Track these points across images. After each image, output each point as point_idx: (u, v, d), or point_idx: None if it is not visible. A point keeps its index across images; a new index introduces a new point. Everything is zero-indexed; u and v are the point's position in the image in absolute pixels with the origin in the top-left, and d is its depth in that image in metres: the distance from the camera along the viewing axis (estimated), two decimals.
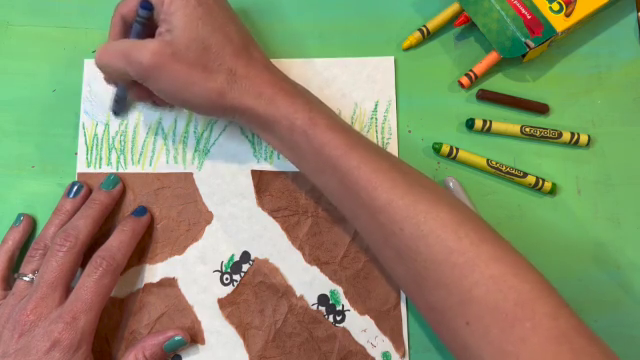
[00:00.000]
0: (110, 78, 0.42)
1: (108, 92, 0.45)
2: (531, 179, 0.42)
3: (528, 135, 0.43)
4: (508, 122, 0.44)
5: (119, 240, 0.40)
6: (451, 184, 0.42)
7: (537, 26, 0.43)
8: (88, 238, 0.39)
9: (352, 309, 0.41)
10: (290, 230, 0.43)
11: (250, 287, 0.42)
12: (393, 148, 0.44)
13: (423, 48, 0.46)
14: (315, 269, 0.42)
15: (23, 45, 0.47)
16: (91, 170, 0.44)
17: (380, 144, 0.44)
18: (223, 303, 0.42)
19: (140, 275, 0.42)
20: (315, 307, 0.41)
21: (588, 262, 0.42)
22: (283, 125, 0.37)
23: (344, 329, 0.41)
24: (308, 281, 0.42)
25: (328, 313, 0.41)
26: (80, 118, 0.45)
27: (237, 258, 0.42)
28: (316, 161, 0.37)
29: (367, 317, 0.41)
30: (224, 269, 0.42)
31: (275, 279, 0.42)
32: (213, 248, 0.43)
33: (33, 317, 0.36)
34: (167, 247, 0.43)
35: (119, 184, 0.43)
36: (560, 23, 0.42)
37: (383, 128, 0.44)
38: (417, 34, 0.45)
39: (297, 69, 0.45)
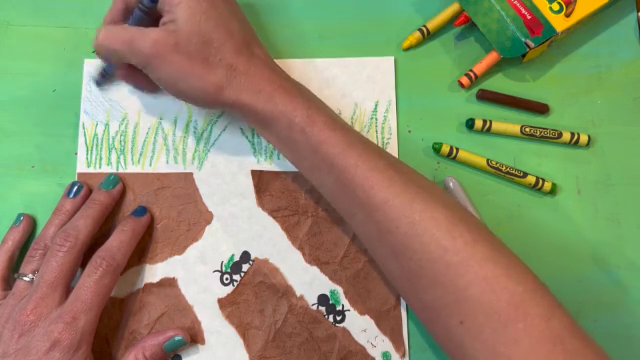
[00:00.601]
0: (108, 60, 0.41)
1: (108, 92, 0.45)
2: (531, 179, 0.42)
3: (528, 135, 0.43)
4: (508, 122, 0.44)
5: (119, 240, 0.40)
6: (451, 184, 0.42)
7: (537, 26, 0.43)
8: (88, 238, 0.39)
9: (352, 309, 0.41)
10: (290, 230, 0.43)
11: (250, 287, 0.42)
12: (393, 148, 0.44)
13: (423, 48, 0.46)
14: (315, 269, 0.42)
15: (23, 45, 0.47)
16: (91, 170, 0.44)
17: (380, 144, 0.44)
18: (223, 303, 0.42)
19: (140, 275, 0.42)
20: (315, 307, 0.41)
21: (588, 262, 0.42)
22: (281, 122, 0.37)
23: (344, 329, 0.41)
24: (308, 281, 0.42)
25: (328, 313, 0.41)
26: (80, 118, 0.45)
27: (237, 258, 0.42)
28: (313, 159, 0.37)
29: (367, 317, 0.41)
30: (224, 269, 0.42)
31: (275, 279, 0.42)
32: (213, 248, 0.43)
33: (33, 317, 0.36)
34: (167, 247, 0.43)
35: (119, 184, 0.43)
36: (560, 23, 0.42)
37: (383, 128, 0.44)
38: (417, 34, 0.45)
39: (297, 69, 0.45)
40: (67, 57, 0.46)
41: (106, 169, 0.44)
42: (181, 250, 0.43)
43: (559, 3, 0.43)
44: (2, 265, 0.41)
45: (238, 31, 0.38)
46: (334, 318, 0.41)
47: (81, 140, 0.45)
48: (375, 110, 0.44)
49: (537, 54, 0.45)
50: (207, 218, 0.43)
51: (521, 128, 0.43)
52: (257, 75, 0.37)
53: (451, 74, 0.45)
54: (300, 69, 0.45)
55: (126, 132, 0.45)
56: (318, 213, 0.43)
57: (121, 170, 0.44)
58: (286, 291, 0.42)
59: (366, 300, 0.41)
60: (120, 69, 0.42)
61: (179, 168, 0.44)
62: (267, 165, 0.44)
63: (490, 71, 0.44)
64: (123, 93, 0.45)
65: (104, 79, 0.44)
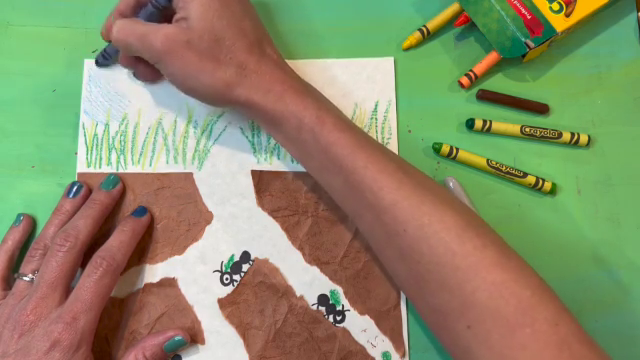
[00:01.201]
0: (124, 52, 0.42)
1: (108, 92, 0.45)
2: (531, 179, 0.42)
3: (528, 135, 0.43)
4: (508, 122, 0.44)
5: (119, 240, 0.40)
6: (451, 184, 0.42)
7: (537, 26, 0.43)
8: (88, 238, 0.39)
9: (352, 309, 0.41)
10: (290, 230, 0.43)
11: (250, 287, 0.42)
12: (393, 148, 0.44)
13: (423, 48, 0.46)
14: (315, 269, 0.42)
15: (23, 45, 0.47)
16: (91, 170, 0.44)
17: None
18: (223, 303, 0.42)
19: (140, 275, 0.42)
20: (315, 307, 0.41)
21: (588, 262, 0.42)
22: (291, 122, 0.37)
23: (344, 329, 0.41)
24: (308, 281, 0.42)
25: (328, 313, 0.41)
26: (80, 118, 0.45)
27: (237, 258, 0.42)
28: (322, 159, 0.37)
29: (367, 317, 0.41)
30: (224, 269, 0.42)
31: (275, 279, 0.42)
32: (213, 248, 0.43)
33: (33, 317, 0.36)
34: (167, 247, 0.43)
35: (119, 184, 0.43)
36: (560, 23, 0.42)
37: (383, 128, 0.44)
38: (417, 34, 0.45)
39: (298, 69, 0.44)
40: (67, 57, 0.46)
41: (106, 169, 0.44)
42: (181, 250, 0.43)
43: (559, 3, 0.43)
44: (2, 265, 0.41)
45: (250, 30, 0.38)
46: (334, 318, 0.41)
47: (81, 140, 0.45)
48: (375, 110, 0.44)
49: (537, 54, 0.45)
50: (207, 218, 0.43)
51: (521, 128, 0.43)
52: (267, 74, 0.38)
53: (451, 74, 0.45)
54: (300, 69, 0.44)
55: (126, 132, 0.45)
56: (318, 213, 0.43)
57: (121, 170, 0.44)
58: (286, 291, 0.42)
59: (366, 300, 0.41)
60: (122, 54, 0.43)
61: (179, 168, 0.44)
62: (267, 165, 0.44)
63: (490, 71, 0.44)
64: (123, 93, 0.45)
65: (105, 60, 0.45)
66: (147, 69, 0.43)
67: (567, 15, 0.43)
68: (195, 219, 0.43)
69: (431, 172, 0.43)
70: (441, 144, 0.43)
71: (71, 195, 0.42)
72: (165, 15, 0.40)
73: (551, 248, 0.42)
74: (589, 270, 0.42)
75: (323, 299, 0.42)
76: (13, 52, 0.47)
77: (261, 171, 0.44)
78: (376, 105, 0.45)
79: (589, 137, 0.43)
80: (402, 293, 0.41)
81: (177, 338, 0.39)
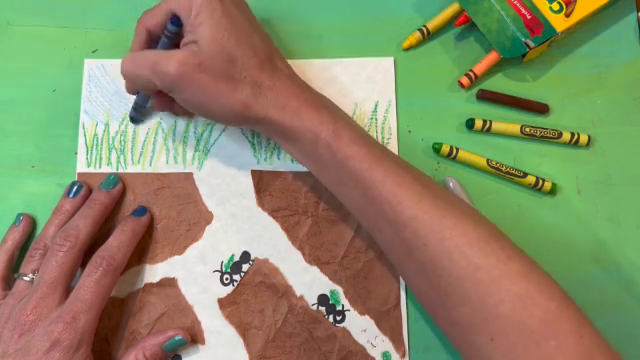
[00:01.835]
0: (134, 87, 0.42)
1: (108, 92, 0.45)
2: (531, 179, 0.42)
3: (528, 135, 0.43)
4: (508, 122, 0.44)
5: (119, 240, 0.40)
6: (451, 184, 0.42)
7: (537, 26, 0.43)
8: (88, 238, 0.39)
9: (352, 309, 0.41)
10: (290, 230, 0.43)
11: (250, 287, 0.42)
12: (393, 148, 0.44)
13: (423, 48, 0.46)
14: (315, 269, 0.42)
15: (23, 45, 0.47)
16: (91, 170, 0.44)
17: None
18: (223, 303, 0.42)
19: (140, 275, 0.42)
20: (315, 307, 0.41)
21: (588, 262, 0.42)
22: (307, 137, 0.37)
23: (344, 329, 0.41)
24: (308, 281, 0.42)
25: (328, 313, 0.41)
26: (80, 118, 0.45)
27: (237, 258, 0.42)
28: (339, 173, 0.37)
29: (367, 317, 0.41)
30: (224, 269, 0.42)
31: (275, 279, 0.42)
32: (213, 248, 0.43)
33: (33, 317, 0.36)
34: (167, 247, 0.43)
35: (119, 184, 0.43)
36: (560, 23, 0.42)
37: (383, 128, 0.44)
38: (417, 34, 0.45)
39: (297, 69, 0.44)
40: (67, 57, 0.46)
41: (106, 169, 0.44)
42: (181, 250, 0.43)
43: (559, 3, 0.43)
44: (2, 265, 0.41)
45: (260, 46, 0.38)
46: (334, 318, 0.41)
47: (81, 140, 0.45)
48: (375, 110, 0.44)
49: (537, 54, 0.45)
50: (207, 218, 0.43)
51: (521, 128, 0.43)
52: (283, 90, 0.37)
53: (451, 74, 0.45)
54: (300, 69, 0.44)
55: (126, 132, 0.45)
56: (318, 213, 0.43)
57: (121, 170, 0.44)
58: (286, 291, 0.42)
59: (366, 300, 0.41)
60: (153, 98, 0.42)
61: (179, 168, 0.44)
62: (267, 165, 0.44)
63: (490, 71, 0.44)
64: (123, 93, 0.45)
65: (138, 112, 0.44)
66: (164, 98, 0.42)
67: (567, 15, 0.43)
68: (195, 219, 0.43)
69: (431, 172, 0.43)
70: (441, 144, 0.43)
71: (71, 195, 0.42)
72: (177, 45, 0.39)
73: (551, 248, 0.42)
74: (589, 270, 0.42)
75: (323, 299, 0.42)
76: (13, 52, 0.47)
77: (261, 171, 0.44)
78: (376, 105, 0.45)
79: (589, 137, 0.43)
80: (402, 293, 0.41)
81: (177, 338, 0.39)
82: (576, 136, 0.43)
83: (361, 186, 0.36)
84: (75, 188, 0.42)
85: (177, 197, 0.43)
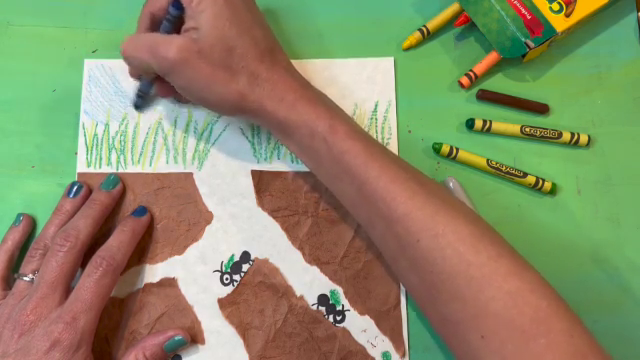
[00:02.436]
0: (134, 70, 0.42)
1: (108, 92, 0.45)
2: (531, 179, 0.42)
3: (528, 135, 0.43)
4: (508, 122, 0.44)
5: (119, 240, 0.40)
6: (451, 184, 0.42)
7: (537, 26, 0.43)
8: (88, 238, 0.39)
9: (352, 309, 0.41)
10: (290, 230, 0.43)
11: (250, 287, 0.42)
12: (393, 148, 0.44)
13: (423, 48, 0.46)
14: (315, 269, 0.42)
15: (23, 45, 0.47)
16: (91, 170, 0.44)
17: None
18: (223, 303, 0.42)
19: (140, 275, 0.42)
20: (315, 307, 0.41)
21: (588, 262, 0.42)
22: (303, 131, 0.37)
23: (344, 329, 0.41)
24: (308, 281, 0.42)
25: (328, 313, 0.41)
26: (80, 118, 0.45)
27: (237, 258, 0.42)
28: (334, 168, 0.37)
29: (367, 317, 0.41)
30: (224, 269, 0.42)
31: (275, 279, 0.42)
32: (213, 248, 0.43)
33: (33, 317, 0.36)
34: (167, 247, 0.43)
35: (119, 184, 0.43)
36: (560, 23, 0.42)
37: (383, 128, 0.44)
38: (417, 34, 0.45)
39: (297, 69, 0.44)
40: (67, 57, 0.46)
41: (106, 169, 0.44)
42: (181, 250, 0.43)
43: (559, 3, 0.43)
44: (2, 265, 0.41)
45: (261, 38, 0.38)
46: (334, 318, 0.41)
47: (81, 140, 0.45)
48: (375, 110, 0.44)
49: (537, 54, 0.45)
50: (207, 218, 0.43)
51: (521, 128, 0.43)
52: (280, 83, 0.37)
53: (451, 74, 0.45)
54: (300, 69, 0.44)
55: (126, 132, 0.45)
56: (318, 213, 0.43)
57: (121, 170, 0.44)
58: (286, 291, 0.42)
59: (366, 300, 0.41)
60: (155, 84, 0.42)
61: (179, 168, 0.44)
62: (267, 165, 0.44)
63: (490, 71, 0.44)
64: (123, 93, 0.45)
65: (142, 100, 0.44)
66: (166, 83, 0.41)
67: (567, 15, 0.43)
68: (195, 219, 0.43)
69: (431, 172, 0.43)
70: (441, 144, 0.43)
71: (71, 195, 0.42)
72: (179, 30, 0.39)
73: (551, 248, 0.42)
74: (589, 270, 0.42)
75: (323, 299, 0.42)
76: (13, 52, 0.47)
77: (261, 171, 0.44)
78: (376, 105, 0.45)
79: (589, 137, 0.43)
80: (402, 293, 0.41)
81: (177, 338, 0.39)
82: (576, 136, 0.43)
83: (356, 181, 0.36)
84: (75, 188, 0.42)
85: (177, 197, 0.43)
